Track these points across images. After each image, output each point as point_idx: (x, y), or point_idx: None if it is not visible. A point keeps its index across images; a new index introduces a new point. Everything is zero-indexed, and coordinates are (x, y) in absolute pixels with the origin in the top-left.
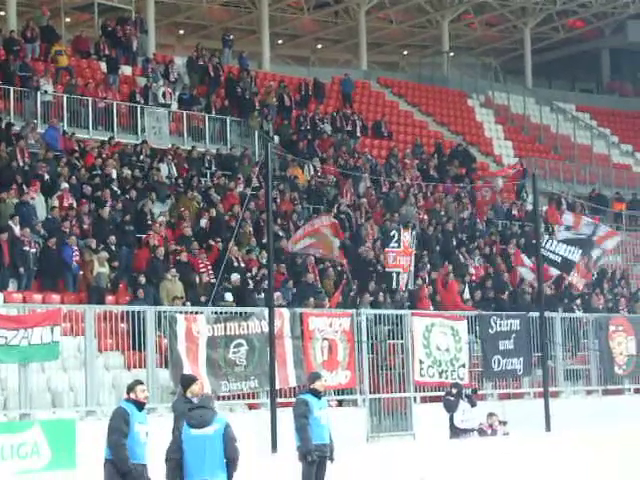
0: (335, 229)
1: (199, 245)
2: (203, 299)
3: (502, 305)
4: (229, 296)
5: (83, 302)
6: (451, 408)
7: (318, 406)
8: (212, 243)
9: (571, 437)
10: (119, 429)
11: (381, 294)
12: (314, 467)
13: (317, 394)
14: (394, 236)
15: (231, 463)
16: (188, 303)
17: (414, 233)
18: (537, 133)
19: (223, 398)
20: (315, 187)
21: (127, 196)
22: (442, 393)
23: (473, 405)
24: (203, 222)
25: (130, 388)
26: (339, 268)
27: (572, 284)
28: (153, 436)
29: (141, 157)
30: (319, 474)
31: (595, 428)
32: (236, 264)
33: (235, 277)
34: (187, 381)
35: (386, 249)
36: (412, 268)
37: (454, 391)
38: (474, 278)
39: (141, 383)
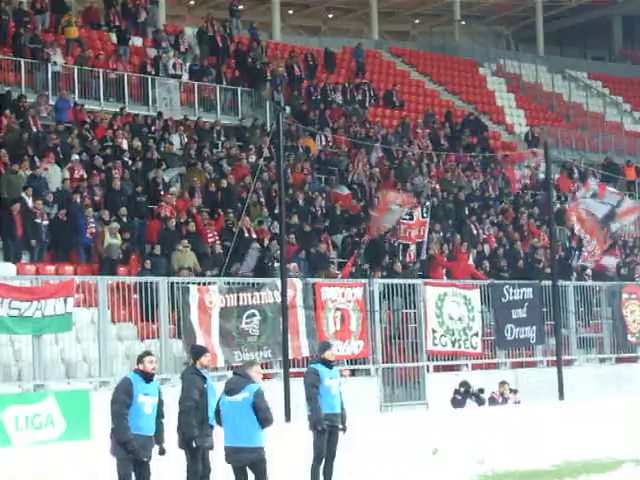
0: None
1: (209, 216)
2: (215, 271)
3: (515, 274)
4: (242, 266)
5: (96, 273)
6: (458, 406)
7: (329, 375)
8: (220, 212)
9: (584, 405)
10: (120, 400)
11: (397, 264)
12: (325, 436)
13: (328, 364)
14: (407, 211)
15: (264, 429)
16: (208, 272)
17: (428, 204)
18: (549, 101)
19: (233, 368)
20: (327, 157)
21: (137, 167)
22: (455, 362)
23: (481, 404)
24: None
25: (139, 359)
26: (350, 239)
27: (590, 253)
28: (166, 406)
29: (152, 128)
30: (330, 443)
31: (608, 396)
32: (247, 235)
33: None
34: (197, 352)
35: (401, 221)
36: (425, 239)
37: (462, 389)
38: (486, 247)
39: (150, 354)
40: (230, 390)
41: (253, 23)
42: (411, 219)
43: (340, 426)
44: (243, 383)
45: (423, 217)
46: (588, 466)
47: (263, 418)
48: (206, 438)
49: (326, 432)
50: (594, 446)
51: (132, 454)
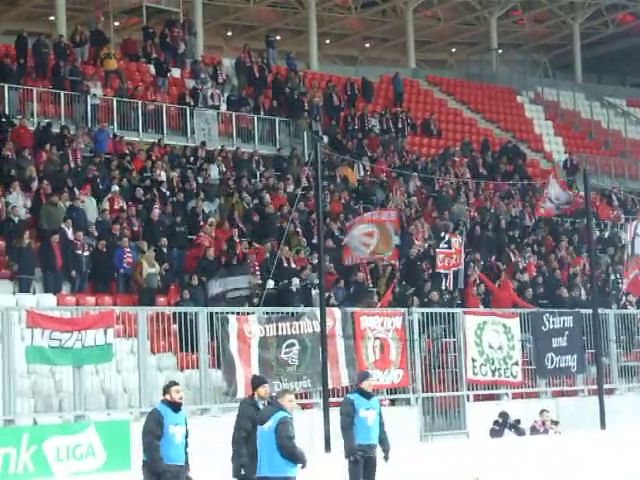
0: (397, 226)
1: (248, 245)
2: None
3: (554, 302)
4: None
5: (135, 304)
6: (496, 437)
7: (365, 406)
8: (258, 245)
9: (626, 434)
10: (152, 431)
11: (434, 293)
12: (360, 466)
13: (365, 394)
14: (444, 237)
15: (289, 459)
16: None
17: (463, 233)
18: (588, 129)
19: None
20: (366, 186)
21: (176, 198)
22: (495, 391)
23: (520, 434)
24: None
25: (165, 389)
26: (390, 268)
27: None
28: (206, 436)
29: (191, 159)
30: (368, 474)
31: None
32: (286, 264)
33: (296, 282)
34: (256, 383)
35: (437, 250)
36: (462, 267)
37: (500, 420)
38: (526, 275)
39: (176, 384)
40: (261, 420)
41: (290, 53)
42: (449, 247)
43: (380, 455)
44: (272, 412)
45: (459, 245)
46: None
47: (281, 445)
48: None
49: (360, 463)
50: (636, 476)
51: None
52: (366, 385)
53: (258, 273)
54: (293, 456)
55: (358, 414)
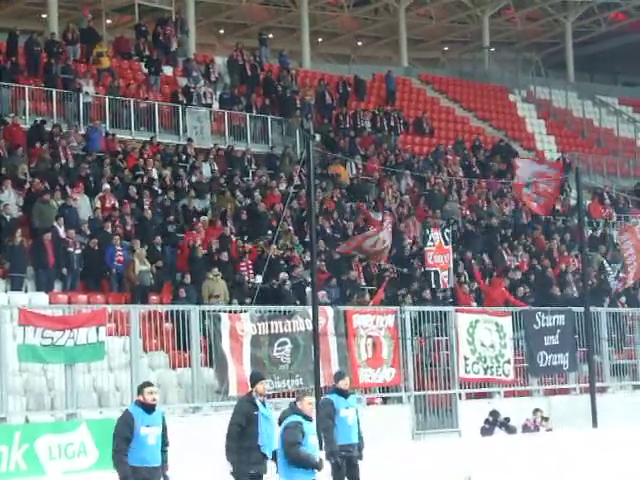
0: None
1: (243, 243)
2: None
3: (546, 301)
4: (259, 278)
5: (127, 302)
6: (486, 435)
7: (344, 405)
8: (250, 245)
9: (618, 433)
10: (120, 434)
11: (426, 291)
12: (343, 467)
13: (343, 393)
14: (428, 235)
15: (296, 465)
16: (235, 301)
17: (447, 231)
18: (580, 127)
19: (268, 397)
20: (358, 185)
21: (167, 196)
22: (487, 389)
23: (510, 432)
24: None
25: (139, 390)
26: (382, 266)
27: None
28: (198, 434)
29: (183, 157)
30: (351, 474)
31: None
32: (277, 263)
33: (283, 276)
34: (254, 379)
35: (425, 248)
36: (451, 265)
37: (490, 419)
38: (518, 274)
39: (150, 385)
40: (279, 421)
41: (283, 51)
42: (432, 245)
43: (356, 455)
44: (286, 415)
45: (445, 244)
46: None
47: (286, 451)
48: (254, 466)
49: (343, 465)
50: (628, 474)
51: None
52: (342, 384)
53: (252, 272)
54: (298, 461)
55: (339, 414)
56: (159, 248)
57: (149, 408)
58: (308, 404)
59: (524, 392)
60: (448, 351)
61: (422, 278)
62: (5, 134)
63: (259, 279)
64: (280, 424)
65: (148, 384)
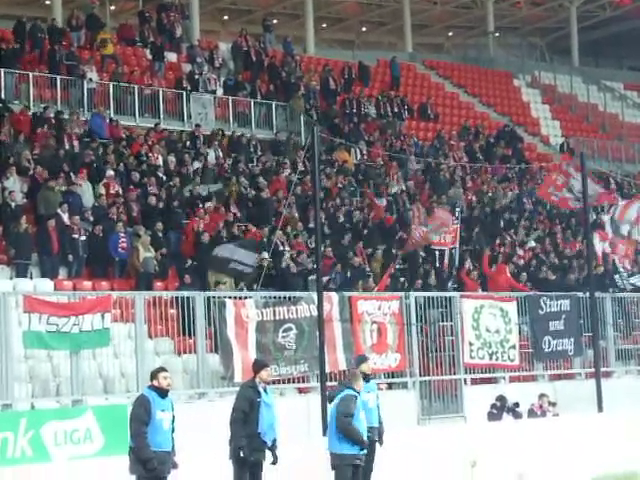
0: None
1: (246, 229)
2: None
3: (550, 286)
4: (265, 254)
5: (132, 288)
6: (494, 420)
7: (366, 389)
8: (252, 229)
9: (623, 417)
10: (139, 418)
11: (432, 277)
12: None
13: (365, 377)
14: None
15: (343, 435)
16: (242, 285)
17: (458, 209)
18: (585, 112)
19: (273, 382)
20: (363, 170)
21: (172, 183)
22: (492, 375)
23: (517, 418)
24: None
25: (153, 375)
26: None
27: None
28: (203, 420)
29: (187, 143)
30: (368, 457)
31: None
32: (281, 248)
33: (285, 256)
34: (257, 366)
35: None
36: (457, 246)
37: (498, 404)
38: (522, 259)
39: (164, 370)
40: (330, 398)
41: (287, 37)
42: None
43: (377, 439)
44: (339, 390)
45: (454, 223)
46: (627, 478)
47: (337, 420)
48: (254, 452)
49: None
50: (633, 458)
51: (152, 472)
52: (365, 368)
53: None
54: (345, 432)
55: (360, 397)
56: (161, 234)
57: (163, 393)
58: (361, 384)
59: (529, 377)
60: (453, 337)
61: (426, 259)
62: (10, 121)
63: (265, 255)
64: (330, 401)
65: (163, 369)
